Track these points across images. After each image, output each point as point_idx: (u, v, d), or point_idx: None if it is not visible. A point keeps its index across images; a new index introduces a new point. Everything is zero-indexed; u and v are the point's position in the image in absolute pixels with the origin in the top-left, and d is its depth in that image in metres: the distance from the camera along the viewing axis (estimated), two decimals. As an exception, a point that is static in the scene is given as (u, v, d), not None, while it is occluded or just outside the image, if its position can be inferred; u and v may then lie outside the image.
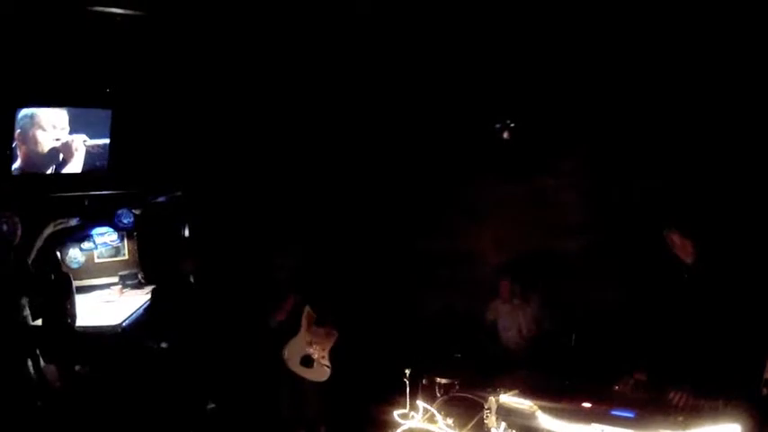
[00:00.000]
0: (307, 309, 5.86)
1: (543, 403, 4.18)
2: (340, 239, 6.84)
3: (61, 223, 7.54)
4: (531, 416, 4.13)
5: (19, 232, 6.53)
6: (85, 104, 6.89)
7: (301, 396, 5.89)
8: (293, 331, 5.84)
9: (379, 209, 6.84)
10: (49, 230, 7.35)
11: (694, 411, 3.91)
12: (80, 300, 6.75)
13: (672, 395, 4.11)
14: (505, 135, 5.71)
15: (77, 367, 6.49)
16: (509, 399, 4.29)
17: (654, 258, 4.96)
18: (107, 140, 7.05)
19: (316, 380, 5.83)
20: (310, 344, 5.80)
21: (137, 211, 7.57)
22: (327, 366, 5.83)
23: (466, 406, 5.20)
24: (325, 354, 5.84)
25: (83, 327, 6.49)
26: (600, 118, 5.57)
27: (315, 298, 5.90)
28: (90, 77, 6.65)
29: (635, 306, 5.24)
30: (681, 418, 3.82)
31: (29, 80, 6.45)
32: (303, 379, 5.84)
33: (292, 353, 5.80)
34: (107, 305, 7.13)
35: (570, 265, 5.99)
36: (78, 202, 7.54)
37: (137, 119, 6.99)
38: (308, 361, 5.79)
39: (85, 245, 7.69)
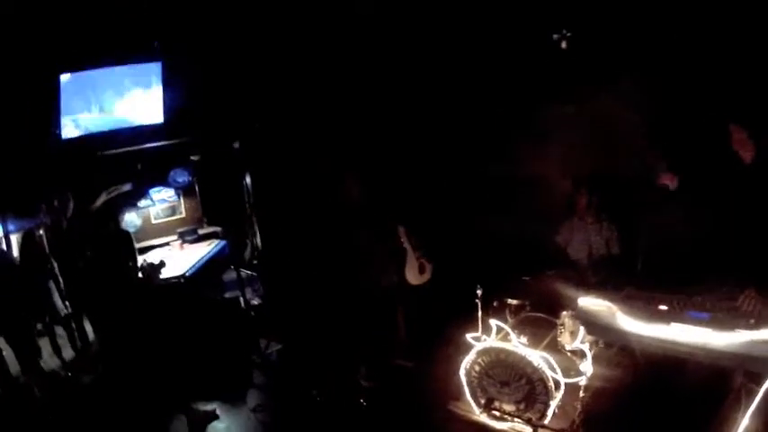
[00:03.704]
0: (402, 230, 6.52)
1: (622, 306, 4.13)
2: (413, 167, 6.93)
3: (115, 190, 7.67)
4: (612, 317, 4.09)
5: (71, 205, 6.67)
6: (133, 61, 6.93)
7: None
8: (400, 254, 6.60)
9: (449, 136, 6.83)
10: (102, 199, 7.48)
11: (763, 316, 3.85)
12: (141, 259, 6.85)
13: (741, 301, 4.06)
14: (563, 45, 5.63)
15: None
16: (588, 301, 4.23)
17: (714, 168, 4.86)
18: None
19: (426, 281, 6.65)
20: (419, 256, 6.61)
21: (195, 158, 7.61)
22: (431, 265, 6.68)
23: (539, 325, 5.24)
24: (427, 257, 6.68)
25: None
26: (658, 27, 5.40)
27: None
28: (136, 32, 6.66)
29: (700, 223, 5.12)
30: (752, 321, 3.77)
31: (70, 43, 6.48)
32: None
33: (410, 270, 6.60)
34: (169, 260, 7.14)
35: (637, 189, 5.86)
36: (131, 168, 7.62)
37: (187, 70, 7.00)
38: (422, 269, 6.61)
39: (143, 202, 7.77)
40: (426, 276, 6.67)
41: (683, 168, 5.45)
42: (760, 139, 4.45)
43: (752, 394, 3.78)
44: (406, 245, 6.57)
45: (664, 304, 4.11)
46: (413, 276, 6.61)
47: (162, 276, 6.51)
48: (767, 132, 4.45)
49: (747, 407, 3.77)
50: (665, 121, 5.48)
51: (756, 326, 3.71)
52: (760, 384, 3.71)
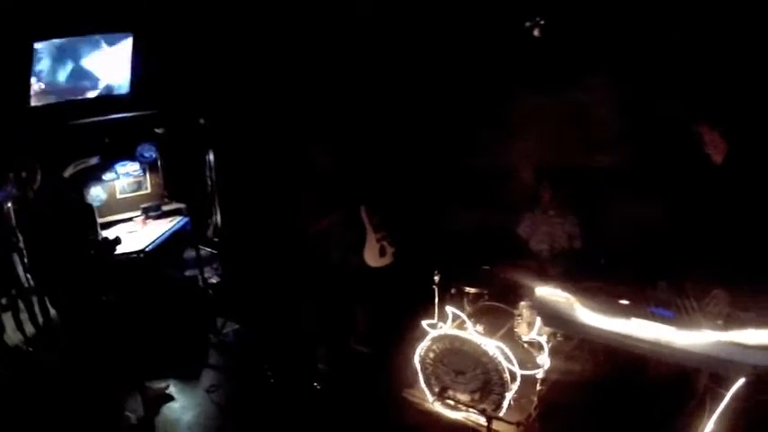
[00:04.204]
0: (363, 210, 6.39)
1: (581, 298, 4.00)
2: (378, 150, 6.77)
3: (82, 163, 7.52)
4: (570, 308, 3.96)
5: (38, 177, 6.51)
6: (104, 31, 6.77)
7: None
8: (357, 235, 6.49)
9: (418, 123, 6.64)
10: (69, 171, 7.33)
11: (731, 318, 3.74)
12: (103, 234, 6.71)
13: (707, 301, 3.95)
14: (536, 33, 5.49)
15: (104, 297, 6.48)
16: (546, 291, 4.10)
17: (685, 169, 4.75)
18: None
19: (386, 264, 6.50)
20: (380, 239, 6.46)
21: (160, 131, 7.46)
22: (393, 249, 6.51)
23: (497, 315, 5.13)
24: (389, 240, 6.52)
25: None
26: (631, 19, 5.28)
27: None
28: (108, 3, 6.50)
29: (668, 220, 5.01)
30: (719, 322, 3.66)
31: (43, 11, 6.29)
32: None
33: (369, 251, 6.43)
34: (130, 235, 7.07)
35: (602, 184, 5.76)
36: (98, 141, 7.48)
37: (157, 43, 6.84)
38: (382, 251, 6.45)
39: (107, 176, 7.62)
40: (387, 260, 6.50)
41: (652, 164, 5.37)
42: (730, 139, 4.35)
43: (717, 398, 3.68)
44: (367, 225, 6.41)
45: (625, 298, 4.00)
46: (372, 259, 6.45)
47: (120, 251, 6.37)
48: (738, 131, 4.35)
49: (713, 411, 3.68)
50: (635, 115, 5.38)
51: (724, 327, 3.61)
52: (726, 388, 3.61)
